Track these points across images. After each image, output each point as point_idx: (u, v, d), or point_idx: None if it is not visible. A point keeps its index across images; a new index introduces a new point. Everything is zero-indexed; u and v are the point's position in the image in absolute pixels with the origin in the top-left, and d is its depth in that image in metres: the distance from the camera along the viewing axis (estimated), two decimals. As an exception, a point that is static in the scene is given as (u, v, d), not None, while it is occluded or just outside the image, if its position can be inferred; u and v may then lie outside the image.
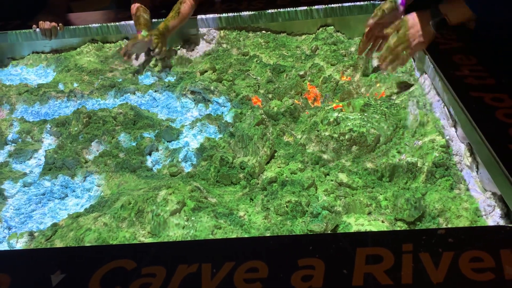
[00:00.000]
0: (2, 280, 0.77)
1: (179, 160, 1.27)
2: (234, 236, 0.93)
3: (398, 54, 1.25)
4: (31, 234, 1.05)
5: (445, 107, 1.20)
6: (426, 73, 1.35)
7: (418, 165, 1.07)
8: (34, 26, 1.82)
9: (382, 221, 0.98)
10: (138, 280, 0.74)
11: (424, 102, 1.27)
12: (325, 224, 0.95)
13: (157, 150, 1.29)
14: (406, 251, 0.74)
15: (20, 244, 1.03)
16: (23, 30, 1.85)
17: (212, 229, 0.96)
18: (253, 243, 0.83)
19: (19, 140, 1.40)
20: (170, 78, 1.65)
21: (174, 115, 1.49)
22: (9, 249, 1.01)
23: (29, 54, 1.88)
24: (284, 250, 0.78)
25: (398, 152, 1.14)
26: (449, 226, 0.93)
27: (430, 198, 0.98)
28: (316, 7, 1.75)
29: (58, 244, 0.97)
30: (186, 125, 1.40)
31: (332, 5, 1.74)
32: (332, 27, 1.76)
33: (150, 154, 1.29)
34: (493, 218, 0.92)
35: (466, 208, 0.94)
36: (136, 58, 1.75)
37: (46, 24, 1.79)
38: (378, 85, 1.43)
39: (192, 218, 0.99)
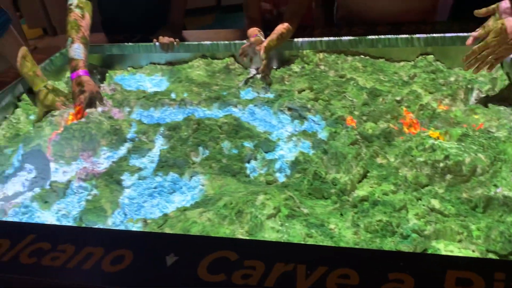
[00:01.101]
0: (127, 255, 0.91)
1: (274, 170, 1.37)
2: (324, 245, 1.00)
3: (489, 54, 1.26)
4: (144, 221, 1.20)
5: (550, 144, 1.17)
6: (531, 108, 1.33)
7: (516, 200, 1.06)
8: (154, 40, 2.06)
9: (473, 251, 0.99)
10: (240, 270, 0.83)
11: (527, 137, 1.24)
12: (414, 246, 0.99)
13: (255, 159, 1.41)
14: (498, 279, 0.75)
15: (134, 228, 1.19)
16: (144, 43, 2.10)
17: (304, 237, 1.04)
18: (346, 253, 0.89)
19: (136, 139, 1.60)
20: (269, 95, 1.78)
21: (270, 129, 1.60)
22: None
23: (147, 65, 2.12)
24: (375, 262, 0.83)
25: (494, 185, 1.13)
26: (546, 264, 0.91)
27: (526, 234, 0.97)
28: (417, 35, 1.77)
29: (168, 232, 1.11)
30: (282, 139, 1.51)
31: (434, 35, 1.75)
32: (432, 56, 1.77)
33: (248, 162, 1.40)
34: None
35: None
36: (251, 62, 1.94)
37: (165, 39, 2.02)
38: (476, 116, 1.42)
39: (286, 224, 1.08)
